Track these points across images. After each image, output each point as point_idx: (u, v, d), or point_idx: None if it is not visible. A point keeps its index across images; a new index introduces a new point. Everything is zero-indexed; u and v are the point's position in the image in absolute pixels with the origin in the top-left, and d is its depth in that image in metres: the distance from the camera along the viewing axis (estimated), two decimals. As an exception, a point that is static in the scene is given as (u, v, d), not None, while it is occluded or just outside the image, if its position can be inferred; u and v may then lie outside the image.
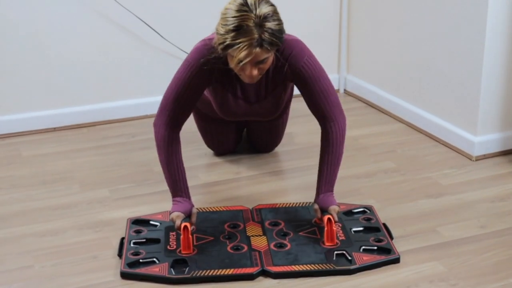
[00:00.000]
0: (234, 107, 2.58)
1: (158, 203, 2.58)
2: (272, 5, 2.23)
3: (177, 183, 2.34)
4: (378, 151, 3.05)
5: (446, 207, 2.58)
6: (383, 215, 2.50)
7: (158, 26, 3.33)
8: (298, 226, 2.41)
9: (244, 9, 2.17)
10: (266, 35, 2.18)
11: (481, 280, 2.15)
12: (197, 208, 2.45)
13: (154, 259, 2.22)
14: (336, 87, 3.78)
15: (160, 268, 2.18)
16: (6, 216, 2.56)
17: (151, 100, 3.45)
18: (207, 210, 2.53)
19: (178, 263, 2.21)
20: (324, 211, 2.33)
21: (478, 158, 2.95)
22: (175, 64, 3.41)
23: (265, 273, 2.18)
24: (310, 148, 3.02)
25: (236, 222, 2.44)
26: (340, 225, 2.41)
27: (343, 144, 2.38)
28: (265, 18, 2.18)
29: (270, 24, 2.18)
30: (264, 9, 2.18)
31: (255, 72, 2.26)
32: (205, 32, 3.43)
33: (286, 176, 2.87)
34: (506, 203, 2.61)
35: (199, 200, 2.59)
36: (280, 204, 2.57)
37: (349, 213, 2.49)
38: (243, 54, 2.18)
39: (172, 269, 2.18)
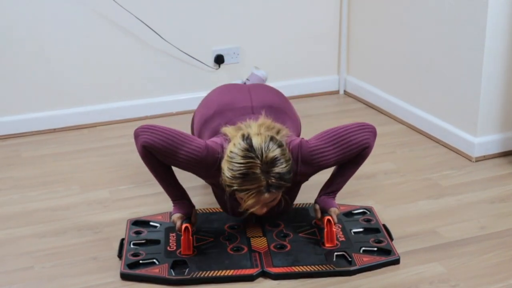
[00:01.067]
0: (235, 206, 2.32)
1: (158, 204, 2.58)
2: (280, 145, 2.11)
3: (171, 189, 2.33)
4: (378, 152, 3.03)
5: (446, 208, 2.58)
6: (383, 216, 2.49)
7: (158, 27, 3.33)
8: (298, 227, 2.41)
9: (250, 156, 2.07)
10: (273, 180, 2.08)
11: (481, 281, 2.15)
12: (197, 210, 2.45)
13: (154, 260, 2.22)
14: (336, 88, 3.78)
15: (160, 269, 2.18)
16: (6, 217, 2.55)
17: (151, 101, 3.45)
18: (207, 211, 2.53)
19: (178, 264, 2.21)
20: (324, 212, 2.33)
21: (478, 159, 2.95)
22: (175, 65, 3.44)
23: (265, 274, 2.18)
24: (310, 149, 3.02)
25: (236, 223, 2.44)
26: (340, 226, 2.40)
27: (362, 164, 2.31)
28: (272, 163, 2.07)
29: (278, 169, 2.08)
30: (271, 153, 2.07)
31: (264, 210, 2.18)
32: (205, 33, 3.46)
33: (286, 177, 2.86)
34: (506, 204, 2.61)
35: (199, 201, 2.59)
36: (280, 205, 2.57)
37: (349, 214, 2.49)
38: (250, 201, 2.10)
39: (172, 270, 2.18)
